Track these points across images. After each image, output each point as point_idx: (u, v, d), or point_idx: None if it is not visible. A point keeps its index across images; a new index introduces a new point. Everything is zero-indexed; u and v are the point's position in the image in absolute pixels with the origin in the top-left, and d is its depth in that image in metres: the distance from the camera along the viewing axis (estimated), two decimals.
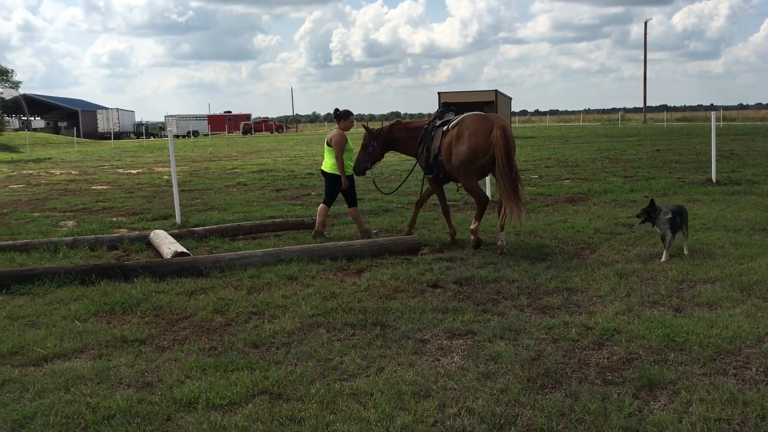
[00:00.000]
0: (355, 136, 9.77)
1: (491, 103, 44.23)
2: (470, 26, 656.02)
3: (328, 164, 9.18)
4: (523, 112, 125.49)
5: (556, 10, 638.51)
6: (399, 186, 10.81)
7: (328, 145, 9.08)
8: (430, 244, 8.57)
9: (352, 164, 9.23)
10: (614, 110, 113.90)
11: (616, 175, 16.53)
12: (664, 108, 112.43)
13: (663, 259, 7.17)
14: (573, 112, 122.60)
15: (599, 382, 4.21)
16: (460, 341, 5.01)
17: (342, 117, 9.16)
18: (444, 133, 8.41)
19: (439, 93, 45.50)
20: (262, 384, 4.24)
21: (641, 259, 7.36)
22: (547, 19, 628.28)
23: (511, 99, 54.74)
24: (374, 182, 10.66)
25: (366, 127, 9.19)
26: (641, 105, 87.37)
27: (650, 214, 7.33)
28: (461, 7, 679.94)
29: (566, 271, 6.92)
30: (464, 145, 7.98)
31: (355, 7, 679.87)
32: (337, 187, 9.12)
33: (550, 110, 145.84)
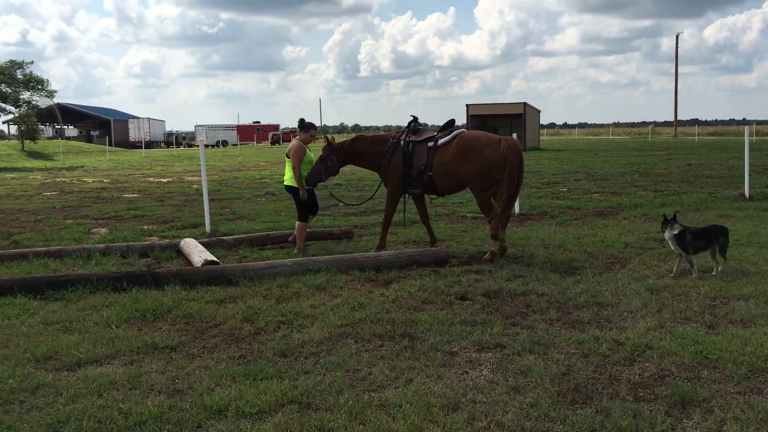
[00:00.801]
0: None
1: (520, 116, 44.13)
2: (499, 39, 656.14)
3: (288, 177, 9.07)
4: (551, 125, 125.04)
5: (585, 23, 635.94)
6: (368, 199, 11.00)
7: (287, 156, 9.01)
8: (458, 256, 8.55)
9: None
10: (644, 124, 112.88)
11: (647, 189, 16.35)
12: (695, 122, 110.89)
13: (672, 274, 7.11)
14: (602, 125, 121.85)
15: (631, 399, 4.16)
16: (489, 354, 4.99)
17: (305, 128, 9.09)
18: (432, 149, 8.45)
19: (467, 105, 45.55)
20: (291, 393, 4.26)
21: (673, 274, 7.25)
22: (576, 32, 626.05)
23: (539, 111, 54.57)
24: (332, 194, 10.86)
25: (327, 140, 8.96)
26: (672, 119, 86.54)
27: (664, 225, 7.28)
28: (490, 20, 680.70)
29: (596, 285, 6.86)
30: (478, 159, 8.18)
31: (384, 19, 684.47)
32: (300, 199, 8.95)
33: (579, 123, 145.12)
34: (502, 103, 47.75)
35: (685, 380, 4.38)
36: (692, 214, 11.83)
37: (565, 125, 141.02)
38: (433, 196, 9.11)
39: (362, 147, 9.03)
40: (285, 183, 9.18)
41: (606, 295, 6.46)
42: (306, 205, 9.02)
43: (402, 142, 8.69)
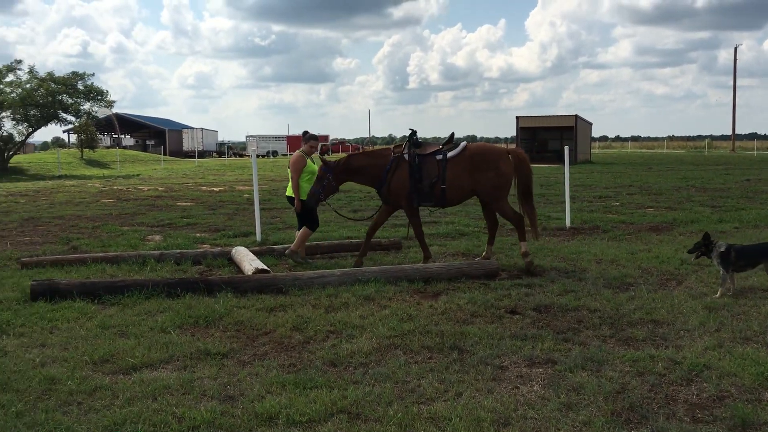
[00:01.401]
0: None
1: (571, 129, 43.57)
2: (550, 50, 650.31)
3: (290, 188, 9.16)
4: (603, 138, 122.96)
5: (639, 34, 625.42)
6: (374, 214, 10.81)
7: (289, 168, 9.07)
8: (507, 270, 8.46)
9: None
10: (700, 137, 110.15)
11: (703, 205, 15.93)
12: (754, 136, 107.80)
13: (717, 295, 6.86)
14: (656, 139, 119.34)
15: (688, 420, 4.04)
16: (540, 370, 4.92)
17: (306, 140, 9.17)
18: (443, 162, 8.49)
19: (517, 117, 45.20)
20: (340, 403, 4.27)
21: (732, 293, 7.03)
22: (630, 43, 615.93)
23: (591, 124, 53.77)
24: (336, 211, 10.72)
25: (323, 160, 8.83)
26: (729, 132, 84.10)
27: (704, 248, 7.05)
28: (541, 32, 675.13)
29: (651, 302, 6.70)
30: (493, 171, 8.48)
31: (434, 32, 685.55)
32: (303, 210, 9.00)
33: (632, 136, 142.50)
34: (553, 116, 47.22)
35: (745, 402, 4.24)
36: (751, 231, 11.47)
37: (618, 138, 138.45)
38: (436, 208, 9.22)
39: (357, 163, 8.92)
40: (286, 194, 9.31)
41: (661, 313, 6.30)
42: (308, 217, 9.07)
43: (407, 156, 8.63)
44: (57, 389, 4.59)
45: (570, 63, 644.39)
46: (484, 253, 9.02)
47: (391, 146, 9.04)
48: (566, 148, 13.42)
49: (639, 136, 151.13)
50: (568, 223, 12.50)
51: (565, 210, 12.91)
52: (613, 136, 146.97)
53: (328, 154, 78.15)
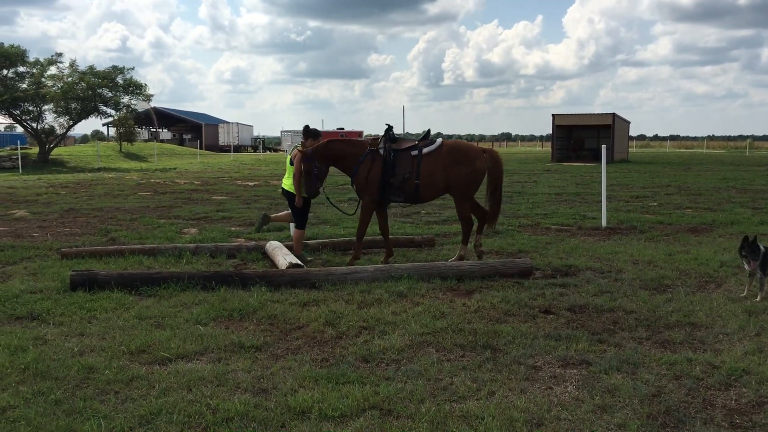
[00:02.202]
0: None
1: (608, 127, 42.99)
2: (587, 48, 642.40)
3: (287, 182, 9.08)
4: (641, 137, 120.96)
5: (679, 32, 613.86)
6: (356, 210, 10.71)
7: (291, 164, 8.97)
8: (541, 269, 8.39)
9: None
10: (741, 137, 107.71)
11: (744, 206, 15.57)
12: None
13: (757, 299, 6.69)
14: (695, 138, 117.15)
15: (726, 425, 3.96)
16: (574, 371, 4.86)
17: (311, 136, 9.05)
18: (418, 158, 8.50)
19: (553, 115, 44.75)
20: (372, 399, 4.28)
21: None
22: (669, 41, 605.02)
23: (629, 123, 52.99)
24: (330, 201, 10.20)
25: (301, 150, 8.72)
26: None
27: (742, 250, 6.86)
28: (579, 29, 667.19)
29: (689, 304, 6.57)
30: (469, 167, 8.57)
31: (470, 28, 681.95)
32: (297, 207, 8.92)
33: (671, 135, 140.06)
34: (590, 114, 46.63)
35: None
36: None
37: (656, 137, 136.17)
38: (407, 204, 9.19)
39: (336, 149, 8.86)
40: (283, 186, 9.27)
41: (700, 316, 6.18)
42: (303, 212, 9.02)
43: (382, 151, 8.61)
44: (95, 378, 4.68)
45: (608, 60, 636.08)
46: (474, 241, 8.98)
47: (369, 139, 9.08)
48: (603, 147, 13.23)
49: (678, 136, 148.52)
50: (604, 222, 12.33)
51: (601, 209, 12.74)
52: (651, 135, 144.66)
53: None
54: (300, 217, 9.05)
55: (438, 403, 4.24)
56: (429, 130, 9.02)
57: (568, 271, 8.27)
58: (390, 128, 8.80)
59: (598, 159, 13.65)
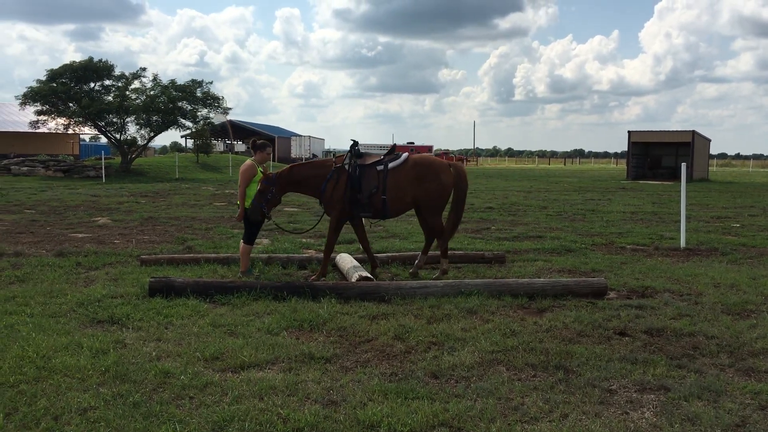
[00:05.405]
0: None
1: (687, 145, 41.62)
2: (664, 63, 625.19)
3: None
4: (722, 155, 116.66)
5: (762, 47, 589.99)
6: (314, 226, 10.94)
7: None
8: (616, 289, 8.15)
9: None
10: None
11: None
12: None
13: None
14: None
15: None
16: (652, 396, 4.69)
17: (258, 148, 8.88)
18: (384, 173, 8.48)
19: (629, 131, 43.69)
20: (442, 416, 4.24)
21: None
22: (752, 56, 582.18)
23: (709, 141, 51.16)
24: (278, 225, 10.49)
25: (264, 173, 8.70)
26: None
27: None
28: (656, 43, 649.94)
29: None
30: (435, 182, 8.60)
31: (543, 43, 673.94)
32: (249, 221, 8.69)
33: (754, 154, 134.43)
34: (668, 131, 45.23)
35: None
36: None
37: (738, 156, 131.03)
38: (376, 220, 9.14)
39: (299, 173, 8.85)
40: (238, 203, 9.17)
41: None
42: (254, 227, 8.82)
43: (347, 167, 8.54)
44: (171, 383, 4.81)
45: (686, 76, 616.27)
46: (417, 262, 9.11)
47: (334, 158, 9.06)
48: (683, 165, 12.80)
49: (762, 155, 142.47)
50: (683, 243, 11.90)
51: (679, 229, 12.30)
52: (733, 154, 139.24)
53: None
54: (249, 232, 8.86)
55: (509, 423, 4.16)
56: (395, 145, 9.12)
57: (644, 292, 8.01)
58: (354, 144, 8.78)
59: (676, 177, 13.21)
